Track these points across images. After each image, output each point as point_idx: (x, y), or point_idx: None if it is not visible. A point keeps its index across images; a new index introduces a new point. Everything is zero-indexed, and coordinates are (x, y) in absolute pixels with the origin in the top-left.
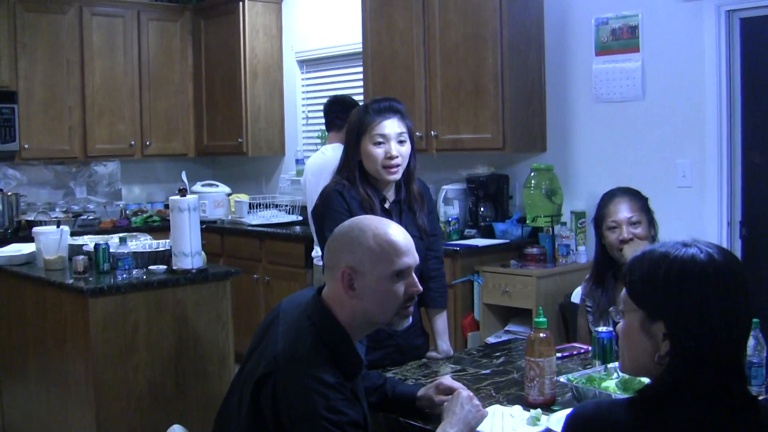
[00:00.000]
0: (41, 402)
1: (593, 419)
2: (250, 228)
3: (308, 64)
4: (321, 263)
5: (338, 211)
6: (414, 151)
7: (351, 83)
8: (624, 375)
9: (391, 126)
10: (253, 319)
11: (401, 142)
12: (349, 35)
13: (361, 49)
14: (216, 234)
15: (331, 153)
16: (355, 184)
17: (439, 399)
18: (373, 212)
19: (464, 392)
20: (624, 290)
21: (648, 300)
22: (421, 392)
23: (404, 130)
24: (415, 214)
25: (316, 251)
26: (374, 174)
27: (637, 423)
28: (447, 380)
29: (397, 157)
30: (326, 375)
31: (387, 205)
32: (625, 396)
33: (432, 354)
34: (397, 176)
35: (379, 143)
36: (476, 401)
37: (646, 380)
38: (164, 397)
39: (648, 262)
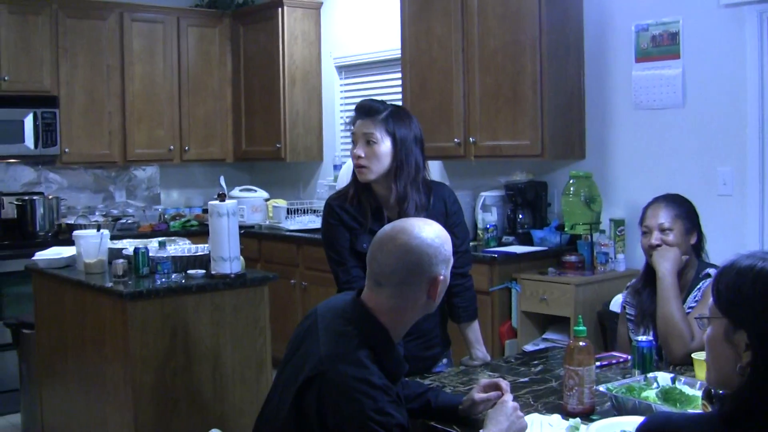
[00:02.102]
0: (80, 404)
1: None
2: (287, 233)
3: (346, 69)
4: None
5: (330, 222)
6: (415, 157)
7: (389, 89)
8: (664, 385)
9: (360, 126)
10: (290, 325)
11: (369, 143)
12: (388, 41)
13: (399, 55)
14: (254, 239)
15: None
16: (352, 193)
17: (480, 397)
18: (365, 222)
19: (509, 402)
20: (711, 299)
21: (732, 308)
22: (464, 398)
23: (372, 131)
24: None
25: None
26: None
27: None
28: (486, 380)
29: (360, 157)
30: (373, 377)
31: (389, 215)
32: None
33: (468, 361)
34: (367, 177)
35: (354, 142)
36: (519, 412)
37: (686, 392)
38: (201, 401)
39: (735, 271)
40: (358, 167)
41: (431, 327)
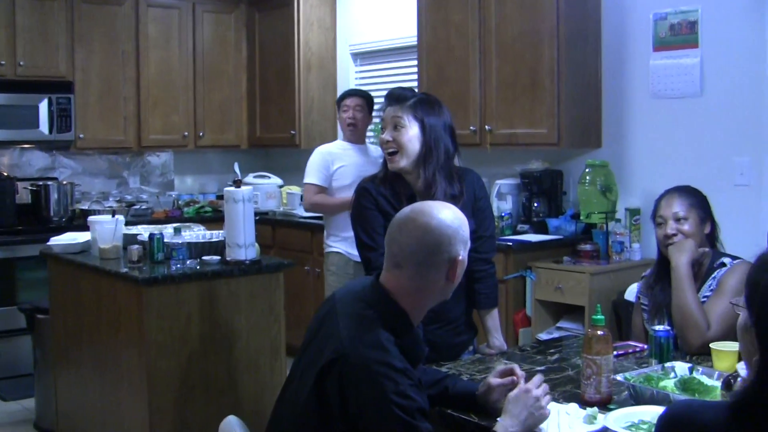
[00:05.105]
0: (95, 390)
1: (685, 420)
2: (301, 220)
3: (362, 57)
4: (331, 249)
5: (364, 205)
6: (445, 144)
7: (405, 77)
8: (683, 375)
9: (389, 111)
10: (304, 311)
11: (396, 127)
12: (404, 28)
13: (415, 43)
14: (267, 225)
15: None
16: (385, 178)
17: (496, 382)
18: (399, 208)
19: (532, 392)
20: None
21: (748, 301)
22: (480, 384)
23: (400, 115)
24: None
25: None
26: None
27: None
28: (502, 366)
29: (388, 141)
30: (394, 360)
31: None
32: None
33: (485, 349)
34: (398, 165)
35: (382, 129)
36: (542, 402)
37: (705, 381)
38: (216, 387)
39: (759, 262)
40: (388, 155)
41: (459, 314)
